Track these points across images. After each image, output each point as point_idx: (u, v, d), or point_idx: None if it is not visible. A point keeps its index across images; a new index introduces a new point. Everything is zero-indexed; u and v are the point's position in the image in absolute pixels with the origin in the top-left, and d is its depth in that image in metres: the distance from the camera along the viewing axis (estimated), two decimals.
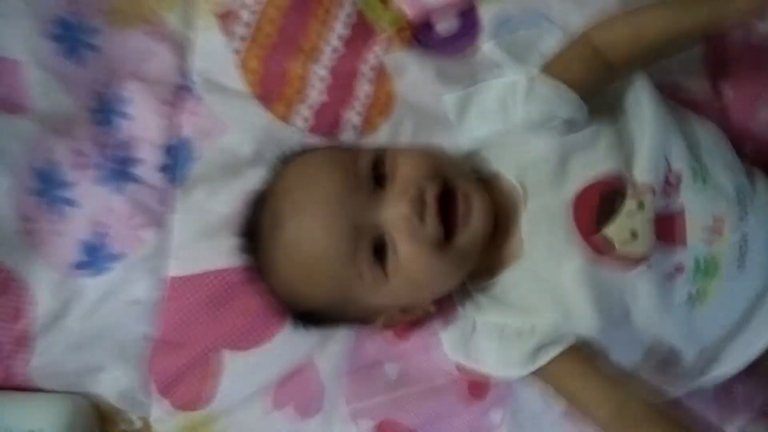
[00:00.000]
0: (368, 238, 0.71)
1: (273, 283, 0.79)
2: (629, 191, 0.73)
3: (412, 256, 0.71)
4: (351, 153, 0.76)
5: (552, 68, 0.76)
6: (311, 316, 0.81)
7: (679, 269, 0.73)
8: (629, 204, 0.72)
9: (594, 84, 0.76)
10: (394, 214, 0.71)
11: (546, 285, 0.74)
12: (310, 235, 0.72)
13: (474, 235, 0.73)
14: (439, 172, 0.73)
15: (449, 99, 0.82)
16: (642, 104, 0.78)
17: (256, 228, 0.79)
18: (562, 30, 0.85)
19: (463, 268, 0.75)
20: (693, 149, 0.77)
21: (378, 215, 0.71)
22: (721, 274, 0.73)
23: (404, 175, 0.72)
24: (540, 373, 0.74)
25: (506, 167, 0.77)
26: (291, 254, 0.75)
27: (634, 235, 0.72)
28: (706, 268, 0.73)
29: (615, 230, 0.72)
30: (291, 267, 0.75)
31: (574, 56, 0.76)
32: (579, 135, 0.76)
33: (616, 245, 0.72)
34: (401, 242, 0.71)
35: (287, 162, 0.81)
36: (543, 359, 0.73)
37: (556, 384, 0.75)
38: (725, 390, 0.82)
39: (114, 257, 0.87)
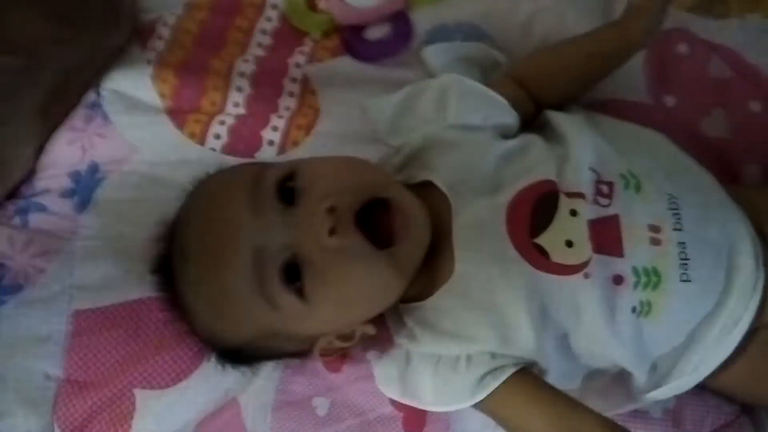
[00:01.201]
0: (277, 262, 0.64)
1: (190, 320, 0.72)
2: (562, 199, 0.69)
3: (332, 277, 0.64)
4: (258, 168, 0.69)
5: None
6: (237, 355, 0.74)
7: (618, 280, 0.68)
8: (562, 211, 0.68)
9: (521, 115, 0.77)
10: (305, 231, 0.64)
11: (480, 305, 0.68)
12: (212, 268, 0.66)
13: (414, 247, 0.67)
14: (362, 183, 0.67)
15: (375, 105, 0.77)
16: (567, 116, 0.76)
17: (166, 263, 0.73)
18: (497, 46, 0.83)
19: (400, 279, 0.68)
20: (622, 158, 0.73)
21: (287, 234, 0.65)
22: (664, 286, 0.69)
23: (319, 189, 0.65)
24: (480, 405, 0.69)
25: (436, 173, 0.72)
26: (200, 291, 0.68)
27: (569, 243, 0.68)
28: (648, 280, 0.69)
29: (550, 238, 0.68)
30: (202, 305, 0.69)
31: (502, 87, 0.77)
32: (511, 142, 0.74)
33: (551, 254, 0.68)
34: (317, 260, 0.65)
35: (194, 188, 0.75)
36: (483, 392, 0.67)
37: (499, 415, 0.70)
38: (674, 412, 0.78)
39: (9, 290, 0.80)
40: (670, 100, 0.84)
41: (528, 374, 0.68)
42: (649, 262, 0.68)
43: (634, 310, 0.68)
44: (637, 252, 0.68)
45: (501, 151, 0.72)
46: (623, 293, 0.68)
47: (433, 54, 0.84)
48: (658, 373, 0.73)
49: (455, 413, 0.77)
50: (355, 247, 0.64)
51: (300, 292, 0.65)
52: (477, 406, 0.69)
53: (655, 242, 0.68)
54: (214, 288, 0.66)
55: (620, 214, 0.69)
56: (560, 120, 0.75)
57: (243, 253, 0.64)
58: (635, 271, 0.68)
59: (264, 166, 0.69)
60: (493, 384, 0.67)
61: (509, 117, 0.75)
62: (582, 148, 0.71)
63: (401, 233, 0.66)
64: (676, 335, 0.72)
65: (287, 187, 0.66)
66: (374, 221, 0.66)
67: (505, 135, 0.76)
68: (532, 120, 0.79)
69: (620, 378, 0.75)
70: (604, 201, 0.69)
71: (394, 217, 0.66)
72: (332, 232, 0.63)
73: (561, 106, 0.78)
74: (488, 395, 0.67)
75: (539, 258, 0.68)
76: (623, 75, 0.81)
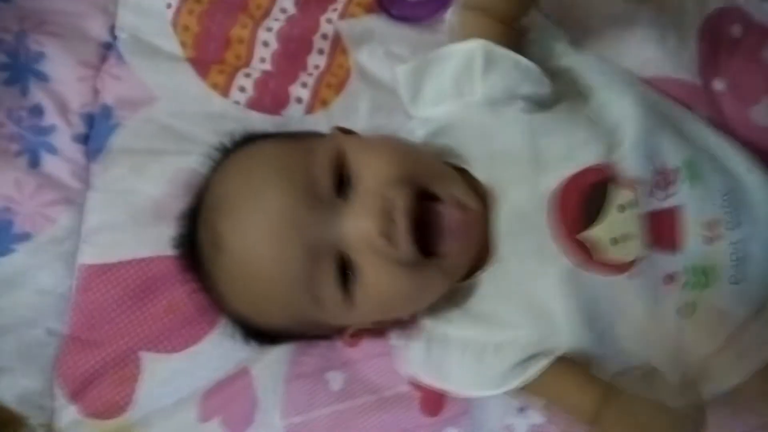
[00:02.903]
0: (329, 259, 0.60)
1: (220, 304, 0.69)
2: (611, 191, 0.64)
3: (380, 281, 0.60)
4: (303, 150, 0.64)
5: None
6: (263, 337, 0.72)
7: (668, 279, 0.65)
8: (611, 206, 0.64)
9: (508, 39, 0.69)
10: (356, 232, 0.60)
11: (521, 295, 0.65)
12: (257, 260, 0.61)
13: (465, 257, 0.63)
14: (413, 173, 0.61)
15: (402, 71, 0.71)
16: (625, 93, 0.70)
17: (194, 244, 0.68)
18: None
19: (445, 286, 0.65)
20: (686, 146, 0.68)
21: (338, 231, 0.60)
22: (713, 287, 0.65)
23: (368, 179, 0.61)
24: (511, 391, 0.66)
25: (472, 161, 0.67)
26: (235, 280, 0.64)
27: (614, 241, 0.64)
28: (698, 280, 0.65)
29: (595, 235, 0.63)
30: (237, 293, 0.65)
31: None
32: (549, 115, 0.68)
33: (603, 248, 0.63)
34: (365, 264, 0.60)
35: (227, 155, 0.70)
36: (518, 379, 0.64)
37: (533, 393, 0.67)
38: None
39: (18, 237, 0.77)
40: (718, 84, 0.79)
41: (560, 361, 0.65)
42: (701, 261, 0.65)
43: (679, 311, 0.65)
44: (690, 250, 0.64)
45: (538, 127, 0.67)
46: (672, 293, 0.65)
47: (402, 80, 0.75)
48: (690, 376, 0.70)
49: (476, 412, 0.73)
50: (405, 255, 0.60)
51: (347, 292, 0.61)
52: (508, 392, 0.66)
53: (709, 240, 0.65)
54: (255, 284, 0.62)
55: (679, 206, 0.65)
56: (610, 92, 0.70)
57: (295, 250, 0.60)
58: (687, 270, 0.64)
59: (306, 148, 0.64)
60: (530, 370, 0.64)
61: (542, 85, 0.69)
62: (642, 128, 0.66)
63: (452, 242, 0.61)
64: (716, 338, 0.68)
65: (337, 176, 0.62)
66: (423, 214, 0.61)
67: (540, 104, 0.69)
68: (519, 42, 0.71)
69: (648, 377, 0.72)
70: (661, 193, 0.65)
71: (446, 221, 0.61)
72: (386, 236, 0.59)
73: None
74: (517, 386, 0.65)
75: (582, 254, 0.64)
76: (676, 50, 0.76)
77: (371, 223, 0.58)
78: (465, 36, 0.68)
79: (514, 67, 0.67)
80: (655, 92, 0.72)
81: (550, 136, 0.67)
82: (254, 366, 0.76)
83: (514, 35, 0.70)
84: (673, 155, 0.67)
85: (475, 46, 0.67)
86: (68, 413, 0.77)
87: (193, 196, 0.71)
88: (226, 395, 0.76)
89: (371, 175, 0.61)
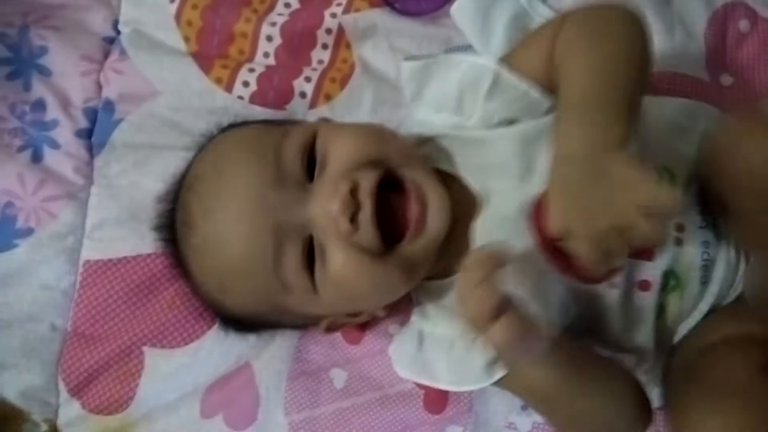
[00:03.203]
0: (296, 241, 0.60)
1: (193, 286, 0.69)
2: None
3: (342, 266, 0.60)
4: (278, 133, 0.63)
5: (514, 61, 0.67)
6: (240, 323, 0.71)
7: (644, 285, 0.64)
8: None
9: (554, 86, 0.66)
10: (322, 213, 0.59)
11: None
12: (223, 240, 0.61)
13: (427, 245, 0.62)
14: (382, 155, 0.61)
15: (407, 67, 0.70)
16: None
17: (170, 223, 0.68)
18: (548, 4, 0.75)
19: (411, 279, 0.64)
20: (659, 148, 0.66)
21: (304, 213, 0.60)
22: (686, 288, 0.65)
23: (336, 161, 0.61)
24: (501, 383, 0.65)
25: (465, 171, 0.67)
26: (205, 261, 0.64)
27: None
28: (673, 282, 0.64)
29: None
30: (205, 274, 0.65)
31: (535, 57, 0.66)
32: (541, 121, 0.66)
33: (576, 258, 0.62)
34: (331, 249, 0.60)
35: (205, 147, 0.70)
36: (500, 372, 0.63)
37: (519, 391, 0.66)
38: None
39: (20, 233, 0.77)
40: (726, 79, 0.79)
41: None
42: (674, 265, 0.64)
43: (655, 313, 0.65)
44: (664, 255, 0.63)
45: (527, 134, 0.65)
46: (648, 299, 0.64)
47: (460, 12, 0.75)
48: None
49: (478, 395, 0.73)
50: (368, 241, 0.59)
51: (312, 278, 0.61)
52: (498, 384, 0.65)
53: (678, 242, 0.64)
54: (221, 263, 0.62)
55: None
56: None
57: (261, 230, 0.59)
58: (662, 274, 0.64)
59: (283, 131, 0.63)
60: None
61: (538, 113, 0.66)
62: None
63: (416, 226, 0.61)
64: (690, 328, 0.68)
65: (308, 157, 0.62)
66: (388, 200, 0.61)
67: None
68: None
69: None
70: None
71: (410, 205, 0.61)
72: (352, 218, 0.58)
73: None
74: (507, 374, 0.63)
75: (562, 261, 0.60)
76: (684, 46, 0.76)
77: (336, 204, 0.58)
78: (520, 58, 0.66)
79: (521, 98, 0.65)
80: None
81: (541, 145, 0.65)
82: (256, 362, 0.75)
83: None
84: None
85: (487, 65, 0.66)
86: (71, 408, 0.77)
87: (176, 179, 0.70)
88: (229, 391, 0.75)
89: (339, 157, 0.61)
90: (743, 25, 0.78)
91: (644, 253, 0.63)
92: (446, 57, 0.70)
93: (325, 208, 0.59)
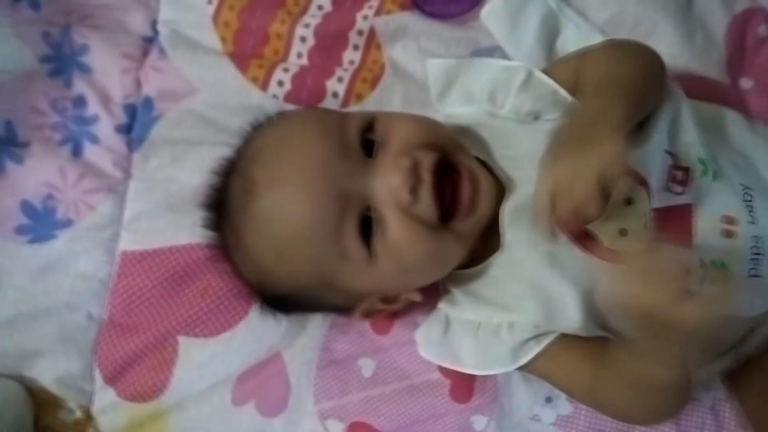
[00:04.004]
0: (355, 211, 0.62)
1: (241, 261, 0.70)
2: (621, 184, 0.64)
3: (402, 236, 0.63)
4: (337, 115, 0.68)
5: (554, 72, 0.72)
6: (284, 302, 0.72)
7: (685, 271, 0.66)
8: (627, 193, 0.65)
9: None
10: (385, 185, 0.62)
11: (528, 281, 0.66)
12: (288, 206, 0.63)
13: (478, 222, 0.65)
14: (435, 141, 0.64)
15: (435, 65, 0.74)
16: None
17: (223, 198, 0.70)
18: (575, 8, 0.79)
19: (460, 254, 0.67)
20: (702, 141, 0.69)
21: (367, 185, 0.62)
22: (730, 281, 0.66)
23: (397, 141, 0.64)
24: (526, 368, 0.67)
25: (493, 160, 0.69)
26: (265, 226, 0.65)
27: (623, 232, 0.65)
28: (716, 274, 0.66)
29: (601, 225, 0.65)
30: (264, 242, 0.66)
31: (562, 72, 0.71)
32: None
33: (610, 239, 0.65)
34: (391, 219, 0.62)
35: (261, 127, 0.72)
36: (526, 356, 0.66)
37: (545, 374, 0.68)
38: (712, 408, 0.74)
39: (60, 224, 0.79)
40: (745, 83, 0.81)
41: (570, 339, 0.66)
42: (719, 256, 0.65)
43: None
44: (708, 244, 0.65)
45: (554, 130, 0.66)
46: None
47: (491, 16, 0.79)
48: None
49: (503, 386, 0.75)
50: (427, 213, 0.62)
51: (370, 247, 0.63)
52: (521, 367, 0.67)
53: (728, 234, 0.66)
54: (285, 227, 0.63)
55: (694, 203, 0.66)
56: None
57: (326, 196, 0.62)
58: (703, 263, 0.65)
59: (343, 113, 0.67)
60: (537, 348, 0.65)
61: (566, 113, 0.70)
62: (658, 128, 0.68)
63: (468, 204, 0.64)
64: (737, 331, 0.69)
65: (367, 138, 0.64)
66: (440, 183, 0.64)
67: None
68: None
69: None
70: (677, 188, 0.66)
71: (464, 186, 0.64)
72: (412, 191, 0.61)
73: None
74: (532, 359, 0.66)
75: (590, 243, 0.65)
76: (705, 48, 0.78)
77: (399, 178, 0.61)
78: (558, 72, 0.71)
79: (550, 95, 0.69)
80: (680, 87, 0.72)
81: None
82: (287, 351, 0.77)
83: None
84: (691, 153, 0.68)
85: (520, 65, 0.71)
86: (106, 396, 0.79)
87: (227, 158, 0.72)
88: (260, 380, 0.77)
89: (400, 137, 0.64)
90: (762, 29, 0.81)
91: (684, 239, 0.65)
92: (479, 60, 0.74)
93: (387, 180, 0.62)
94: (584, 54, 0.71)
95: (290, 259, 0.65)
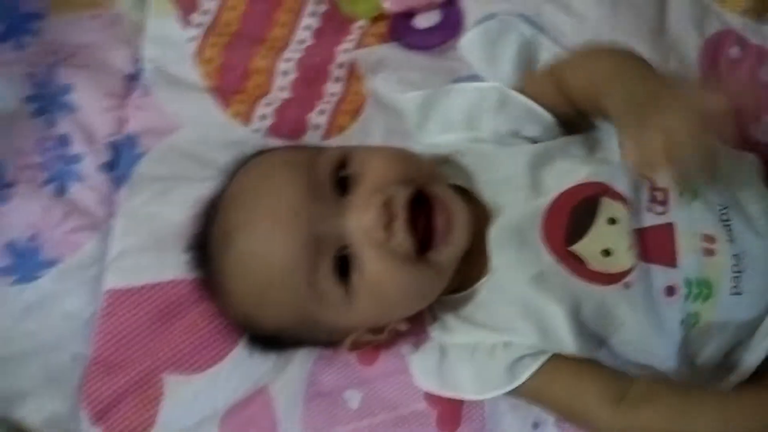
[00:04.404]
0: (330, 252, 0.63)
1: (225, 304, 0.71)
2: (602, 205, 0.67)
3: (379, 272, 0.63)
4: (311, 153, 0.68)
5: (524, 89, 0.74)
6: (269, 340, 0.72)
7: (670, 291, 0.66)
8: (600, 219, 0.66)
9: (565, 115, 0.73)
10: (358, 224, 0.62)
11: (516, 303, 0.67)
12: (263, 250, 0.63)
13: (454, 252, 0.66)
14: (411, 175, 0.65)
15: (408, 100, 0.75)
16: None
17: (204, 241, 0.71)
18: (550, 37, 0.80)
19: (439, 284, 0.68)
20: None
21: (341, 225, 0.63)
22: (715, 298, 0.66)
23: (371, 178, 0.64)
24: (523, 390, 0.67)
25: (476, 185, 0.70)
26: (242, 272, 0.66)
27: (606, 252, 0.66)
28: (699, 291, 0.66)
29: (585, 246, 0.66)
30: (243, 287, 0.67)
31: (543, 84, 0.73)
32: (549, 143, 0.71)
33: (588, 262, 0.66)
34: (366, 256, 0.63)
35: (241, 165, 0.73)
36: (524, 374, 0.65)
37: (544, 395, 0.67)
38: None
39: (45, 263, 0.79)
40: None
41: (567, 359, 0.66)
42: (702, 274, 0.66)
43: (682, 322, 0.66)
44: (690, 262, 0.66)
45: (537, 153, 0.70)
46: (674, 305, 0.66)
47: (468, 46, 0.81)
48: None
49: (491, 414, 0.74)
50: (402, 247, 0.63)
51: (347, 287, 0.63)
52: (519, 394, 0.67)
53: (709, 253, 0.66)
54: (260, 274, 0.64)
55: (675, 222, 0.66)
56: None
57: (299, 240, 0.62)
58: (687, 282, 0.65)
59: (315, 151, 0.68)
60: (534, 365, 0.65)
61: (551, 130, 0.73)
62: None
63: (443, 235, 0.65)
64: (721, 344, 0.69)
65: (340, 176, 0.65)
66: (416, 216, 0.64)
67: (542, 139, 0.73)
68: (573, 121, 0.75)
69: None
70: (658, 208, 0.67)
71: (437, 218, 0.65)
72: (386, 227, 0.62)
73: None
74: (530, 377, 0.65)
75: (575, 264, 0.66)
76: (679, 72, 0.79)
77: (372, 215, 0.61)
78: (527, 88, 0.73)
79: (525, 112, 0.71)
80: None
81: (548, 164, 0.70)
82: (273, 385, 0.76)
83: (575, 119, 0.73)
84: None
85: (492, 86, 0.72)
86: None
87: (208, 201, 0.73)
88: (247, 415, 0.76)
89: (373, 174, 0.64)
90: (734, 51, 0.82)
91: (667, 258, 0.66)
92: (449, 87, 0.75)
93: (360, 219, 0.62)
94: (560, 63, 0.72)
95: (271, 304, 0.66)
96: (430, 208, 0.65)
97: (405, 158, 0.68)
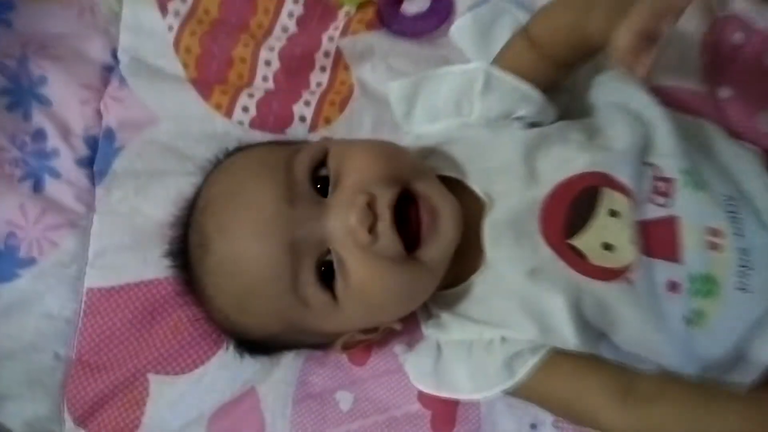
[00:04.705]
0: (312, 257, 0.60)
1: (209, 310, 0.68)
2: (603, 197, 0.64)
3: (365, 276, 0.60)
4: (287, 152, 0.64)
5: (502, 62, 0.70)
6: (256, 346, 0.71)
7: (672, 287, 0.64)
8: (601, 212, 0.64)
9: (541, 78, 0.69)
10: (340, 227, 0.60)
11: (513, 297, 0.64)
12: (241, 259, 0.61)
13: (444, 248, 0.63)
14: (394, 172, 0.62)
15: (394, 88, 0.72)
16: (626, 101, 0.70)
17: (182, 247, 0.68)
18: None
19: (431, 283, 0.65)
20: (686, 151, 0.68)
21: (322, 229, 0.60)
22: (719, 294, 0.64)
23: (351, 177, 0.61)
24: (522, 388, 0.64)
25: (468, 176, 0.67)
26: (222, 282, 0.64)
27: (606, 246, 0.63)
28: (702, 287, 0.64)
29: (585, 240, 0.63)
30: (224, 296, 0.64)
31: (513, 50, 0.70)
32: (545, 130, 0.68)
33: (594, 253, 0.63)
34: (351, 260, 0.60)
35: (217, 165, 0.70)
36: (523, 369, 0.63)
37: (545, 392, 0.65)
38: None
39: (23, 262, 0.77)
40: (724, 91, 0.79)
41: (567, 355, 0.64)
42: (706, 269, 0.63)
43: (684, 319, 0.64)
44: (694, 257, 0.63)
45: (533, 140, 0.67)
46: (676, 301, 0.63)
47: (460, 33, 0.77)
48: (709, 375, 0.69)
49: (487, 415, 0.72)
50: (390, 249, 0.60)
51: (332, 292, 0.61)
52: (519, 392, 0.64)
53: (714, 247, 0.63)
54: (240, 282, 0.62)
55: (679, 215, 0.64)
56: (610, 107, 0.70)
57: (278, 247, 0.59)
58: (691, 277, 0.63)
59: (293, 149, 0.64)
60: (532, 359, 0.63)
61: (542, 109, 0.70)
62: (635, 136, 0.66)
63: (429, 233, 0.62)
64: (727, 342, 0.67)
65: (319, 176, 0.62)
66: (402, 213, 0.61)
67: (538, 125, 0.70)
68: (556, 80, 0.72)
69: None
70: (661, 200, 0.64)
71: (423, 216, 0.62)
72: (371, 229, 0.59)
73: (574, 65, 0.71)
74: (529, 372, 0.63)
75: (575, 259, 0.63)
76: (678, 59, 0.76)
77: (355, 216, 0.58)
78: (506, 59, 0.70)
79: (513, 91, 0.68)
80: (659, 99, 0.71)
81: (544, 150, 0.67)
82: (261, 386, 0.75)
83: (555, 76, 0.70)
84: (672, 163, 0.66)
85: (476, 67, 0.69)
86: None
87: (185, 203, 0.70)
88: (234, 417, 0.75)
89: (354, 172, 0.61)
90: (738, 37, 0.79)
91: (671, 253, 0.63)
92: (433, 72, 0.72)
93: (342, 220, 0.59)
94: (532, 19, 0.70)
95: (254, 312, 0.64)
96: (416, 203, 0.62)
97: (387, 153, 0.64)
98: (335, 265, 0.60)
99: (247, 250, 0.60)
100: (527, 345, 0.64)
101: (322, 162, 0.62)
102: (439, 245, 0.62)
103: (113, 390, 0.76)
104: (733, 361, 0.67)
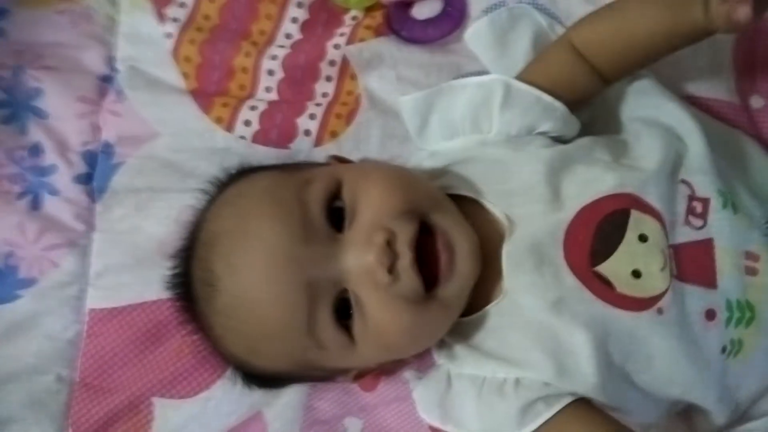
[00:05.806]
0: (329, 298, 0.58)
1: (215, 345, 0.66)
2: (632, 219, 0.60)
3: (383, 317, 0.58)
4: (297, 183, 0.61)
5: (531, 74, 0.67)
6: (264, 380, 0.69)
7: (710, 315, 0.60)
8: (630, 236, 0.60)
9: (581, 92, 0.66)
10: (357, 266, 0.57)
11: (531, 331, 0.61)
12: (253, 304, 0.58)
13: (461, 285, 0.60)
14: (411, 204, 0.59)
15: (406, 102, 0.69)
16: (657, 115, 0.66)
17: (187, 280, 0.66)
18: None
19: (449, 321, 0.62)
20: (721, 170, 0.64)
21: (338, 267, 0.57)
22: (758, 322, 0.61)
23: (368, 212, 0.58)
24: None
25: (487, 196, 0.64)
26: (232, 324, 0.61)
27: (636, 274, 0.60)
28: (742, 315, 0.61)
29: (613, 267, 0.60)
30: (233, 337, 0.62)
31: (555, 60, 0.67)
32: (570, 148, 0.65)
33: (616, 285, 0.60)
34: (369, 300, 0.58)
35: (221, 189, 0.67)
36: (534, 421, 0.60)
37: None
38: None
39: (23, 283, 0.75)
40: (756, 101, 0.75)
41: (585, 402, 0.61)
42: (743, 295, 0.61)
43: (724, 350, 0.61)
44: (731, 283, 0.61)
45: (553, 159, 0.63)
46: (713, 330, 0.60)
47: (476, 38, 0.74)
48: (740, 413, 0.66)
49: None
50: (410, 289, 0.57)
51: (349, 332, 0.58)
52: None
53: (752, 272, 0.61)
54: (252, 325, 0.59)
55: (715, 238, 0.61)
56: (637, 122, 0.66)
57: (293, 288, 0.57)
58: (729, 305, 0.60)
59: (303, 180, 0.61)
60: (546, 414, 0.60)
61: (566, 123, 0.66)
62: (670, 153, 0.63)
63: (448, 271, 0.59)
64: (764, 373, 0.64)
65: (334, 207, 0.59)
66: (418, 245, 0.58)
67: (561, 140, 0.67)
68: (593, 95, 0.69)
69: (685, 413, 0.68)
70: (697, 222, 0.61)
71: (441, 253, 0.59)
72: (390, 269, 0.56)
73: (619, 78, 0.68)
74: (540, 426, 0.60)
75: (602, 288, 0.60)
76: (709, 68, 0.72)
77: (373, 255, 0.56)
78: (544, 64, 0.67)
79: (535, 104, 0.64)
80: (698, 113, 0.68)
81: (568, 171, 0.63)
82: (268, 411, 0.73)
83: (602, 89, 0.67)
84: (707, 181, 0.63)
85: (494, 79, 0.65)
86: None
87: (187, 231, 0.68)
88: None
89: (371, 206, 0.58)
90: None
91: (706, 278, 0.60)
92: (448, 85, 0.68)
93: (360, 259, 0.57)
94: (576, 24, 0.67)
95: (265, 354, 0.62)
96: (433, 237, 0.59)
97: (404, 184, 0.61)
98: (353, 306, 0.58)
99: (261, 292, 0.58)
100: (542, 393, 0.60)
101: (335, 194, 0.59)
102: (457, 283, 0.60)
103: (118, 413, 0.74)
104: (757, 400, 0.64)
